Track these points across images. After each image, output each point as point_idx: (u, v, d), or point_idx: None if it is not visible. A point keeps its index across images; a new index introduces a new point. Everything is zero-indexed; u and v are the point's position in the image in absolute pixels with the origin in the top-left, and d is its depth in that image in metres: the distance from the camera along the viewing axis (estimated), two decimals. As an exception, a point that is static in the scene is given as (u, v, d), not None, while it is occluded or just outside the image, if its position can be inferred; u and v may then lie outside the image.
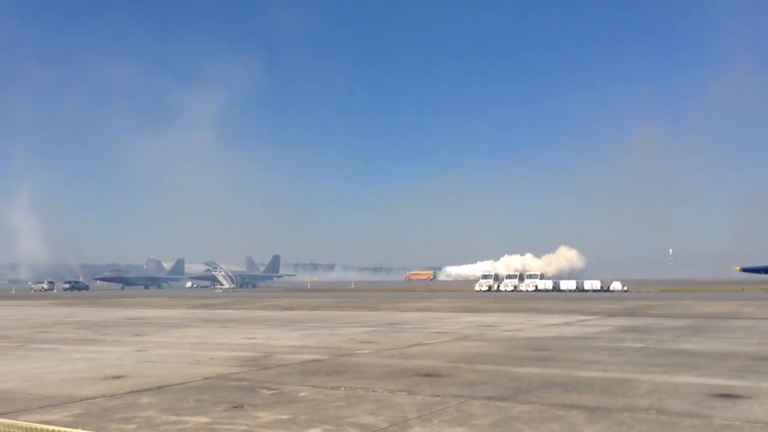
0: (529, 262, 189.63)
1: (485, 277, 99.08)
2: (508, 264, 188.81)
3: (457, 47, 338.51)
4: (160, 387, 13.37)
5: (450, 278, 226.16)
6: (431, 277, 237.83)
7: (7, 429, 8.02)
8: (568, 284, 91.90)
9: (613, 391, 12.46)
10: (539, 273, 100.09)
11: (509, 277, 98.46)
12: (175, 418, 10.45)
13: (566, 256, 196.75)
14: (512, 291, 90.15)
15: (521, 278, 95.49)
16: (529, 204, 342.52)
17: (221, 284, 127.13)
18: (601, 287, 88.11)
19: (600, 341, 22.23)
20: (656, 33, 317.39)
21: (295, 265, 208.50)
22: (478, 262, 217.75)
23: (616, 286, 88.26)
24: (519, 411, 10.73)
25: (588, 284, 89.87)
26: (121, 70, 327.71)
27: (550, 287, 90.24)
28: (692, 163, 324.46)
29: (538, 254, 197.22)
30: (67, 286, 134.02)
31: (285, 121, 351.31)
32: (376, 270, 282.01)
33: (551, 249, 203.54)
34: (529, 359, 17.39)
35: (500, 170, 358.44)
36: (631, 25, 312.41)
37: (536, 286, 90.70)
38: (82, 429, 8.87)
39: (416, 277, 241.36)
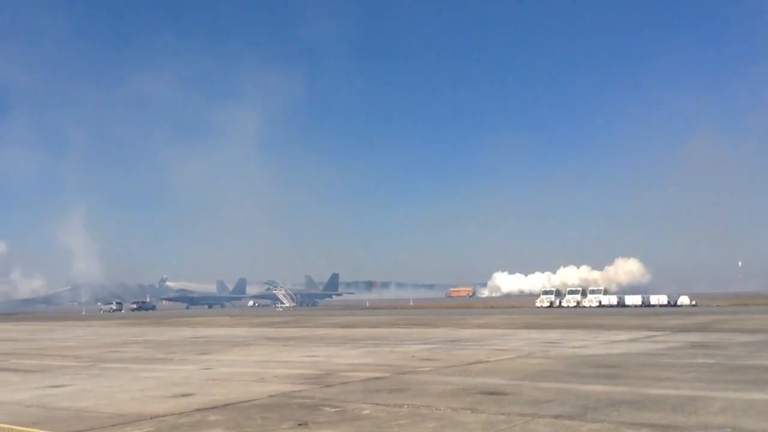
0: (585, 275, 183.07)
1: (546, 292, 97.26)
2: (563, 277, 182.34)
3: (504, 57, 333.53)
4: (226, 405, 13.59)
5: (499, 294, 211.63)
6: (470, 294, 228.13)
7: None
8: (633, 299, 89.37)
9: (684, 409, 12.06)
10: (602, 288, 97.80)
11: (571, 292, 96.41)
12: (241, 435, 10.60)
13: (626, 269, 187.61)
14: (575, 306, 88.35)
15: (584, 293, 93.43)
16: (583, 214, 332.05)
17: (282, 303, 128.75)
18: (668, 302, 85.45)
19: (669, 357, 21.56)
20: (714, 39, 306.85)
21: (350, 283, 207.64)
22: (530, 275, 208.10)
23: (683, 300, 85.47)
24: (587, 430, 10.48)
25: (654, 299, 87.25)
26: (162, 87, 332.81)
27: (615, 302, 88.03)
28: (761, 171, 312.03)
29: (597, 266, 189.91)
30: (135, 306, 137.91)
31: (324, 133, 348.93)
32: (430, 287, 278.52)
33: (607, 261, 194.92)
34: (595, 376, 16.99)
35: (551, 181, 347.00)
36: (689, 32, 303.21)
37: (600, 302, 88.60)
38: None
39: (456, 294, 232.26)
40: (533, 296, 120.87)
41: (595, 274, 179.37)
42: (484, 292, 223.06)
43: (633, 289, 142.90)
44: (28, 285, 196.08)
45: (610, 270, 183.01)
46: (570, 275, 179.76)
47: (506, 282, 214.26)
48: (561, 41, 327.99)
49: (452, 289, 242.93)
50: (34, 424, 11.50)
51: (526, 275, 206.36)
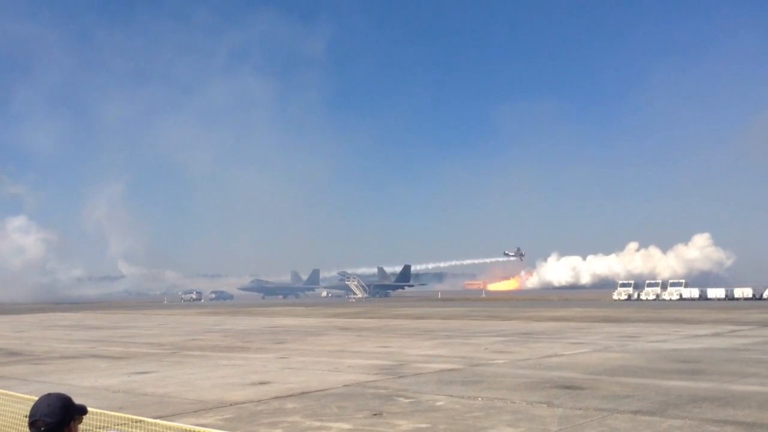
0: (653, 255, 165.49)
1: (624, 285, 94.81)
2: (627, 262, 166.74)
3: (542, 46, 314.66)
4: (303, 393, 13.88)
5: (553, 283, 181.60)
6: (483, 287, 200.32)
7: (165, 430, 8.64)
8: (716, 292, 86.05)
9: (773, 408, 11.58)
10: (683, 281, 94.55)
11: (650, 284, 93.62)
12: (318, 423, 10.82)
13: (704, 251, 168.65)
14: (654, 299, 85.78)
15: (664, 286, 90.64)
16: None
17: (354, 294, 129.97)
18: (753, 295, 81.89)
19: (755, 353, 20.70)
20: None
21: (422, 275, 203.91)
22: (589, 257, 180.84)
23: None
24: (668, 426, 10.20)
25: (738, 292, 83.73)
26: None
27: (697, 295, 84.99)
28: None
29: (664, 247, 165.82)
30: (213, 296, 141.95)
31: (390, 121, 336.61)
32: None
33: (679, 240, 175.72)
34: (676, 372, 16.49)
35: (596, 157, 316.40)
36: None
37: (681, 295, 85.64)
38: None
39: (470, 286, 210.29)
40: (607, 289, 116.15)
41: (664, 257, 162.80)
42: (528, 278, 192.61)
43: (706, 276, 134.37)
44: (68, 274, 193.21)
45: (682, 249, 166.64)
46: (634, 260, 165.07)
47: (557, 269, 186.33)
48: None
49: (467, 281, 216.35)
50: (120, 409, 12.05)
51: (584, 258, 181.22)
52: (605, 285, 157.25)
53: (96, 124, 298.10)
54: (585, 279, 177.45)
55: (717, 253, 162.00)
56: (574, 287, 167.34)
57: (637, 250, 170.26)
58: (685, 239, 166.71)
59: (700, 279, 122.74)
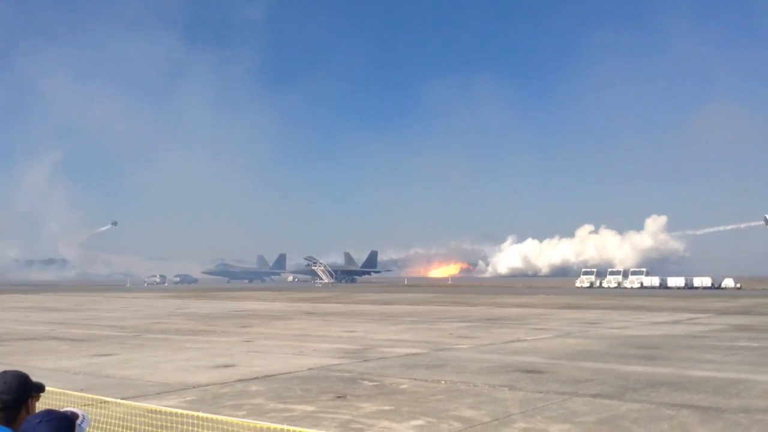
0: (607, 239, 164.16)
1: (586, 273, 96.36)
2: (579, 245, 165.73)
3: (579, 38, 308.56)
4: (267, 376, 13.86)
5: (506, 271, 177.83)
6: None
7: (131, 410, 8.59)
8: (676, 281, 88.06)
9: (726, 392, 11.91)
10: (644, 269, 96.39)
11: (612, 273, 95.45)
12: (282, 406, 10.82)
13: (656, 236, 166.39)
14: (616, 287, 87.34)
15: (625, 275, 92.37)
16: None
17: (321, 279, 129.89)
18: (712, 284, 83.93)
19: (712, 340, 21.24)
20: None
21: (388, 261, 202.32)
22: (545, 241, 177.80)
23: (728, 283, 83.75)
24: (626, 410, 10.43)
25: (698, 281, 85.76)
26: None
27: (657, 284, 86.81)
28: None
29: (620, 230, 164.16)
30: (178, 279, 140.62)
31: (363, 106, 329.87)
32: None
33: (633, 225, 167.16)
34: (635, 357, 16.84)
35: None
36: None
37: (642, 283, 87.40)
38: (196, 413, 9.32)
39: (413, 273, 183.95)
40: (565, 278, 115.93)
41: (618, 238, 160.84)
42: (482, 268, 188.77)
43: (660, 264, 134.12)
44: (3, 254, 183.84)
45: (636, 236, 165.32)
46: (587, 242, 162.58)
47: (509, 255, 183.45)
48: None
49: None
50: (81, 390, 11.90)
51: (541, 241, 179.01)
52: (559, 273, 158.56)
53: (20, 93, 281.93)
54: (542, 267, 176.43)
55: (668, 237, 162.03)
56: (525, 275, 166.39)
57: (591, 233, 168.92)
58: (638, 225, 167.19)
59: (652, 265, 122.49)
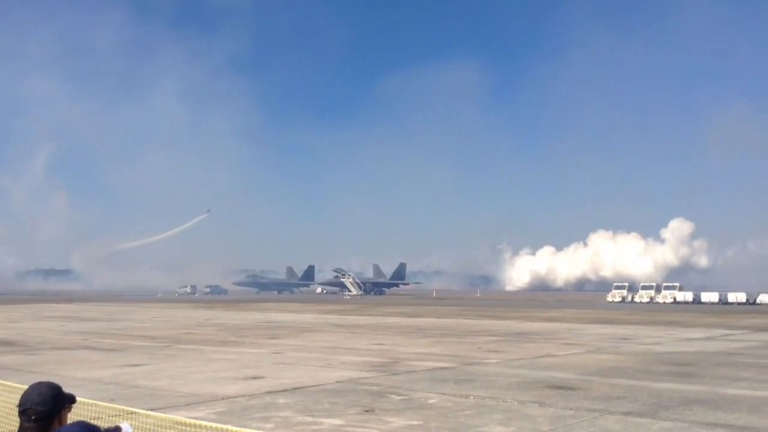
0: (625, 241, 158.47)
1: (618, 287, 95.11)
2: (596, 250, 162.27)
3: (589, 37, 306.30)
4: (295, 388, 13.88)
5: (520, 284, 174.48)
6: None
7: (159, 422, 8.65)
8: (709, 296, 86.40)
9: (762, 411, 11.63)
10: (677, 284, 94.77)
11: (644, 287, 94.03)
12: (310, 419, 10.82)
13: (683, 238, 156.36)
14: (648, 302, 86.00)
15: (658, 289, 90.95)
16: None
17: (349, 291, 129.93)
18: (747, 300, 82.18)
19: (747, 357, 20.77)
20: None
21: (417, 273, 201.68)
22: (545, 247, 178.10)
23: (763, 298, 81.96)
24: (659, 428, 10.23)
25: (732, 296, 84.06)
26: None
27: (690, 299, 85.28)
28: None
29: (644, 234, 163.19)
30: (208, 290, 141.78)
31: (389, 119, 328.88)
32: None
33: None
34: (668, 374, 16.54)
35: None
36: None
37: (674, 298, 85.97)
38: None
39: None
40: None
41: (641, 244, 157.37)
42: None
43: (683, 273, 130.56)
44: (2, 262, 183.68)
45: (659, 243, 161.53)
46: (602, 247, 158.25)
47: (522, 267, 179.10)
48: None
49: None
50: (111, 401, 12.03)
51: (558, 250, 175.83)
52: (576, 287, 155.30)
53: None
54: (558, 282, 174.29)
55: (696, 243, 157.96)
56: (545, 289, 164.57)
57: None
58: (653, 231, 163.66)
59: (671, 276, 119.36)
